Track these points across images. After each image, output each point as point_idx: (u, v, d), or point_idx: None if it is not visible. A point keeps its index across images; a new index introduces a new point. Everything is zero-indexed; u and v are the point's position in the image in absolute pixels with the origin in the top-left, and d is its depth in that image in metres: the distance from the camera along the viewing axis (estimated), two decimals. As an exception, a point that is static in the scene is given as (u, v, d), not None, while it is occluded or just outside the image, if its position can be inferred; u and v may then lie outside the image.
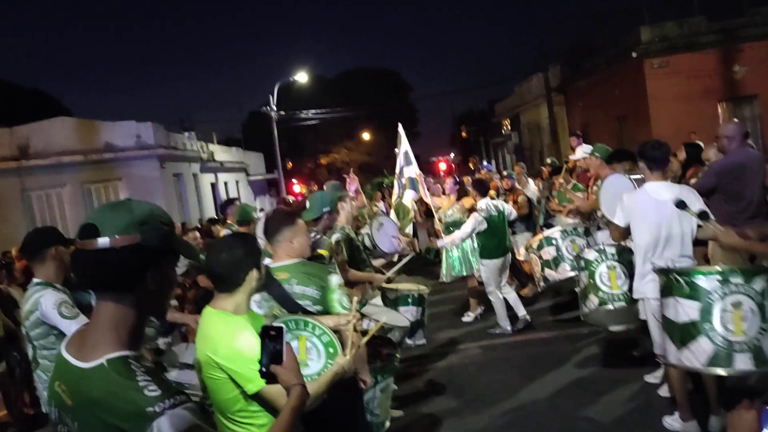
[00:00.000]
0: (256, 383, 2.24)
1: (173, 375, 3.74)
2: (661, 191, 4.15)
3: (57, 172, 17.25)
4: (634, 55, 18.46)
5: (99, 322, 1.46)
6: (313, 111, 34.56)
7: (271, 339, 1.84)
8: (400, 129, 8.67)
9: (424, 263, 13.10)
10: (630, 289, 5.20)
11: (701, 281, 3.50)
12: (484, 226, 7.13)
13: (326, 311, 3.18)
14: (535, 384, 5.52)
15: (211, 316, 2.52)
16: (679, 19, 18.67)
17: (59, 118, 18.99)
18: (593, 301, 5.31)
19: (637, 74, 18.69)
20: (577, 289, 5.66)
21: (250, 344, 2.30)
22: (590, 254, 5.35)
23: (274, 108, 26.98)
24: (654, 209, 4.13)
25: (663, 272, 3.78)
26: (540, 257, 6.51)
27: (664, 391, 4.77)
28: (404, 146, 8.52)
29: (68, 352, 1.47)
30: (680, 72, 17.85)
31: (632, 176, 4.72)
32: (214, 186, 24.34)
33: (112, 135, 18.18)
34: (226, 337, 2.37)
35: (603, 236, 6.23)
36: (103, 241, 1.41)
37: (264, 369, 1.83)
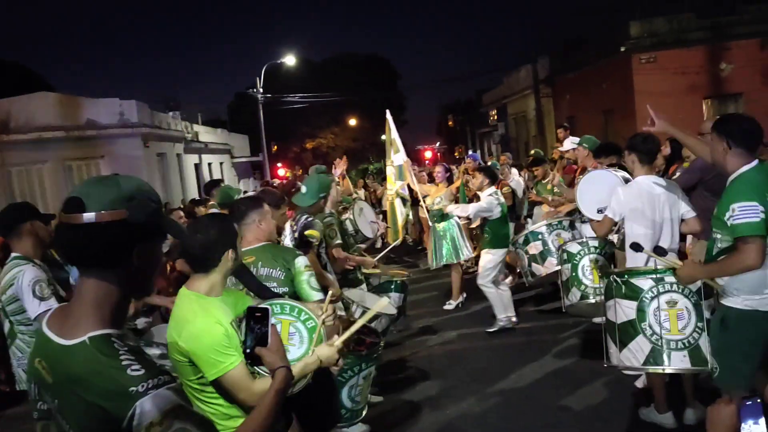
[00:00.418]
0: (213, 371, 2.25)
1: (155, 353, 3.71)
2: (653, 185, 4.17)
3: (38, 148, 16.96)
4: (622, 49, 18.53)
5: (82, 298, 1.42)
6: (300, 95, 34.31)
7: (257, 321, 1.81)
8: (389, 116, 8.61)
9: (406, 251, 13.15)
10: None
11: (637, 281, 3.64)
12: (498, 212, 6.91)
13: (293, 293, 3.18)
14: (515, 373, 5.56)
15: (183, 298, 2.52)
16: (668, 15, 18.76)
17: (41, 93, 18.65)
18: (575, 293, 5.35)
19: (625, 69, 18.77)
20: (559, 281, 5.70)
21: (212, 330, 2.32)
22: (573, 247, 5.38)
23: (261, 90, 26.76)
24: (648, 203, 4.13)
25: (604, 275, 3.89)
26: (526, 252, 6.52)
27: (641, 383, 4.82)
28: (393, 133, 8.48)
29: (49, 329, 1.44)
30: (667, 68, 17.97)
31: (618, 173, 4.71)
32: (197, 167, 24.12)
33: (95, 112, 17.90)
34: (192, 321, 2.38)
35: (588, 229, 6.25)
36: (89, 216, 1.36)
37: (248, 350, 1.80)
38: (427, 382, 5.66)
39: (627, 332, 3.63)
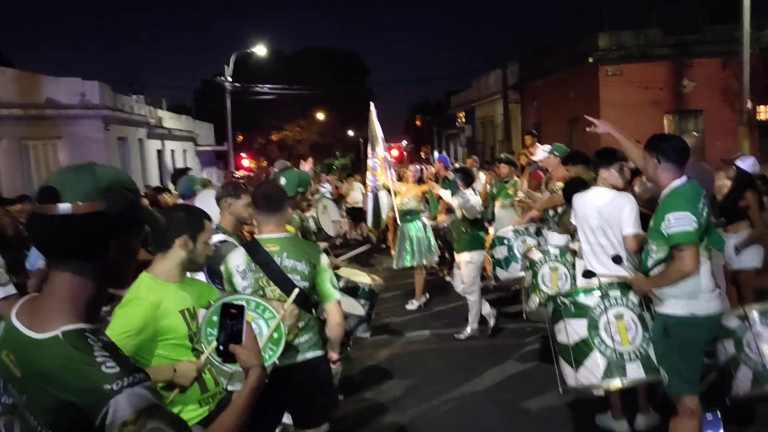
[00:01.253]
0: None
1: None
2: (598, 198, 4.31)
3: (-7, 125, 16.36)
4: (590, 60, 18.86)
5: (55, 291, 1.36)
6: (269, 86, 33.92)
7: (231, 317, 1.76)
8: (372, 108, 8.48)
9: (370, 250, 13.12)
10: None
11: (584, 299, 3.73)
12: (479, 212, 6.78)
13: (313, 287, 3.21)
14: (476, 376, 5.59)
15: (138, 280, 2.58)
16: (636, 29, 19.18)
17: (-2, 68, 18.01)
18: (534, 300, 5.45)
19: (592, 79, 19.12)
20: (522, 288, 5.77)
21: (126, 315, 2.42)
22: (535, 255, 5.51)
23: (229, 79, 26.35)
24: (589, 216, 4.30)
25: (550, 299, 3.97)
26: (492, 256, 6.57)
27: (598, 390, 4.90)
28: (377, 127, 8.36)
29: (19, 320, 1.37)
30: (632, 81, 18.36)
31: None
32: (160, 153, 23.63)
33: (54, 91, 17.34)
34: (123, 303, 2.47)
35: (554, 236, 6.33)
36: (65, 207, 1.30)
37: (222, 347, 1.75)
38: (388, 382, 5.66)
39: (581, 351, 3.66)
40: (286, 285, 3.11)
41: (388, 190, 8.18)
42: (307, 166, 8.11)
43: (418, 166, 9.26)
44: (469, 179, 6.99)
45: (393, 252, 11.72)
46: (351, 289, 5.62)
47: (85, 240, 1.33)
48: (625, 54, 18.70)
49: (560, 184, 5.98)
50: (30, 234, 1.39)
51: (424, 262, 8.09)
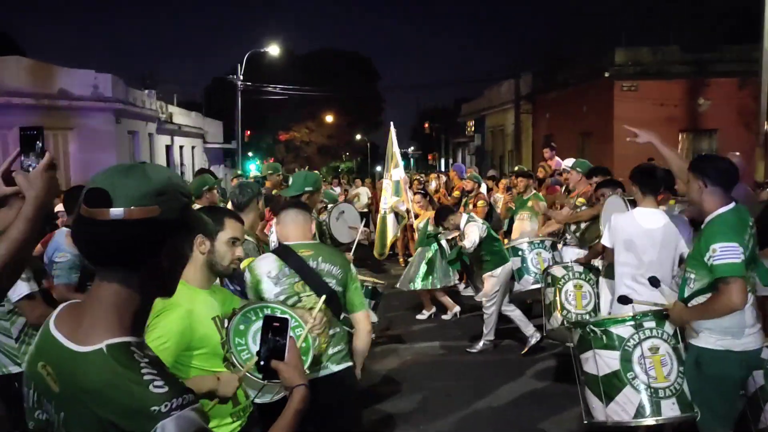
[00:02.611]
0: None
1: None
2: (650, 218, 4.07)
3: (5, 113, 16.27)
4: (606, 74, 18.74)
5: (100, 300, 1.25)
6: (280, 86, 33.89)
7: (274, 331, 1.64)
8: (392, 128, 8.50)
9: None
10: (594, 309, 5.20)
11: (616, 329, 3.46)
12: (484, 230, 6.52)
13: (345, 292, 3.18)
14: (490, 392, 5.46)
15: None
16: (653, 45, 19.07)
17: (13, 57, 17.97)
18: (557, 318, 5.31)
19: (607, 94, 18.99)
20: (542, 304, 5.62)
21: (162, 325, 2.24)
22: (558, 271, 5.35)
23: (241, 77, 26.31)
24: (639, 237, 4.03)
25: (578, 325, 3.76)
26: (504, 267, 6.44)
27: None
28: (395, 147, 8.36)
29: (58, 330, 1.25)
30: (648, 97, 18.23)
31: (627, 197, 4.64)
32: (169, 149, 23.58)
33: (68, 82, 17.32)
34: (156, 311, 2.29)
35: (569, 252, 6.21)
36: (117, 212, 1.19)
37: (263, 362, 1.63)
38: (399, 394, 5.53)
39: (612, 384, 3.42)
40: (323, 289, 3.03)
41: (396, 214, 8.09)
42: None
43: (422, 192, 9.06)
44: (440, 218, 6.90)
45: (401, 260, 11.64)
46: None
47: (137, 247, 1.22)
48: (641, 70, 18.57)
49: (582, 200, 5.88)
50: (76, 239, 1.27)
51: (439, 285, 7.89)
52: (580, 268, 5.41)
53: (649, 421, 3.38)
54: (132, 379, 1.15)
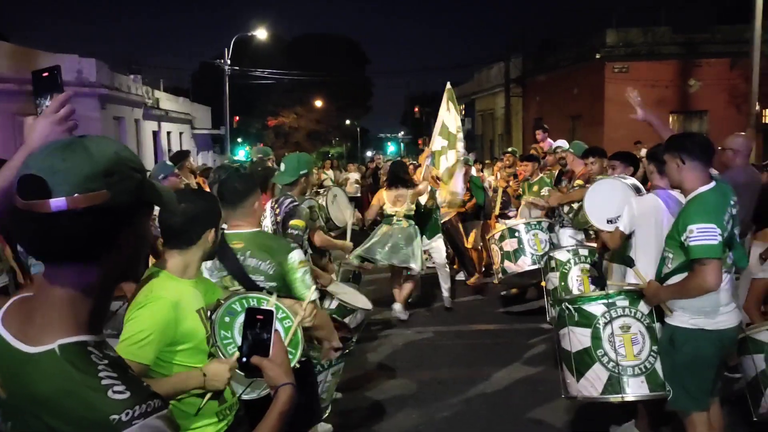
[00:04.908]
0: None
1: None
2: (667, 199, 3.87)
3: (-14, 99, 15.99)
4: (597, 56, 18.61)
5: (51, 295, 1.08)
6: (268, 71, 33.50)
7: (256, 325, 1.51)
8: (449, 86, 7.97)
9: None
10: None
11: (589, 307, 3.52)
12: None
13: (280, 288, 2.87)
14: (483, 379, 5.36)
15: (153, 277, 2.23)
16: (644, 26, 18.93)
17: (-6, 42, 17.61)
18: (565, 304, 5.18)
19: (597, 76, 18.88)
20: (544, 290, 5.51)
21: (144, 317, 2.08)
22: (562, 255, 5.20)
23: (228, 62, 25.96)
24: (657, 218, 3.84)
25: (556, 302, 3.78)
26: (501, 248, 6.36)
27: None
28: (442, 114, 7.89)
29: (5, 328, 1.10)
30: (638, 78, 18.09)
31: (627, 180, 4.48)
32: (156, 135, 23.26)
33: (51, 67, 16.99)
34: (138, 303, 2.14)
35: (566, 234, 6.12)
36: (58, 203, 1.01)
37: (245, 359, 1.50)
38: (391, 381, 5.42)
39: (583, 361, 3.51)
40: (251, 286, 2.81)
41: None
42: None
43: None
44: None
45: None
46: (343, 274, 5.43)
47: (88, 240, 1.05)
48: (632, 51, 18.47)
49: (579, 181, 5.77)
50: (18, 236, 1.08)
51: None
52: (585, 251, 5.29)
53: (616, 398, 3.42)
54: (88, 384, 1.01)
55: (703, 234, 3.00)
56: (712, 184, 3.20)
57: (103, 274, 1.10)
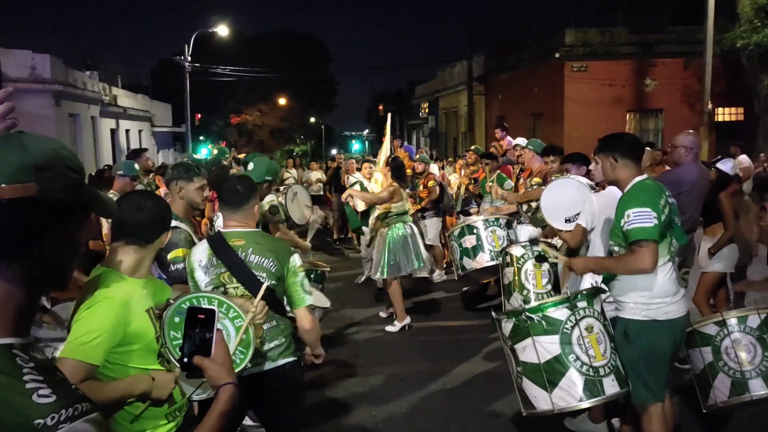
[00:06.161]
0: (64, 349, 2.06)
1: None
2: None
3: (-67, 96, 15.43)
4: (557, 55, 18.91)
5: None
6: (230, 68, 33.08)
7: (198, 324, 1.49)
8: (389, 119, 8.76)
9: (337, 240, 12.90)
10: (555, 288, 5.17)
11: (554, 313, 3.38)
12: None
13: (281, 287, 2.92)
14: (443, 375, 5.40)
15: (101, 276, 2.19)
16: (602, 26, 19.32)
17: (-60, 36, 17.00)
18: (517, 298, 5.26)
19: (557, 75, 19.19)
20: (500, 285, 5.57)
21: (93, 317, 2.05)
22: (516, 250, 5.26)
23: (189, 59, 25.55)
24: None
25: (512, 315, 3.58)
26: (460, 245, 6.40)
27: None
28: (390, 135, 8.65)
29: None
30: (596, 78, 18.50)
31: (581, 179, 4.53)
32: (114, 132, 22.79)
33: (3, 62, 16.40)
34: (87, 303, 2.10)
35: (524, 230, 6.20)
36: None
37: (186, 359, 1.48)
38: (352, 380, 5.42)
39: (554, 370, 3.33)
40: (250, 282, 2.83)
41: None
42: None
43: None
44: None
45: (356, 243, 11.49)
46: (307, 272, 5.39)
47: (14, 234, 1.03)
48: (590, 51, 18.82)
49: (537, 179, 5.85)
50: None
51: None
52: (539, 247, 5.36)
53: (596, 400, 3.36)
54: (12, 387, 0.97)
55: (639, 217, 3.10)
56: (645, 176, 3.35)
57: (28, 274, 1.07)
